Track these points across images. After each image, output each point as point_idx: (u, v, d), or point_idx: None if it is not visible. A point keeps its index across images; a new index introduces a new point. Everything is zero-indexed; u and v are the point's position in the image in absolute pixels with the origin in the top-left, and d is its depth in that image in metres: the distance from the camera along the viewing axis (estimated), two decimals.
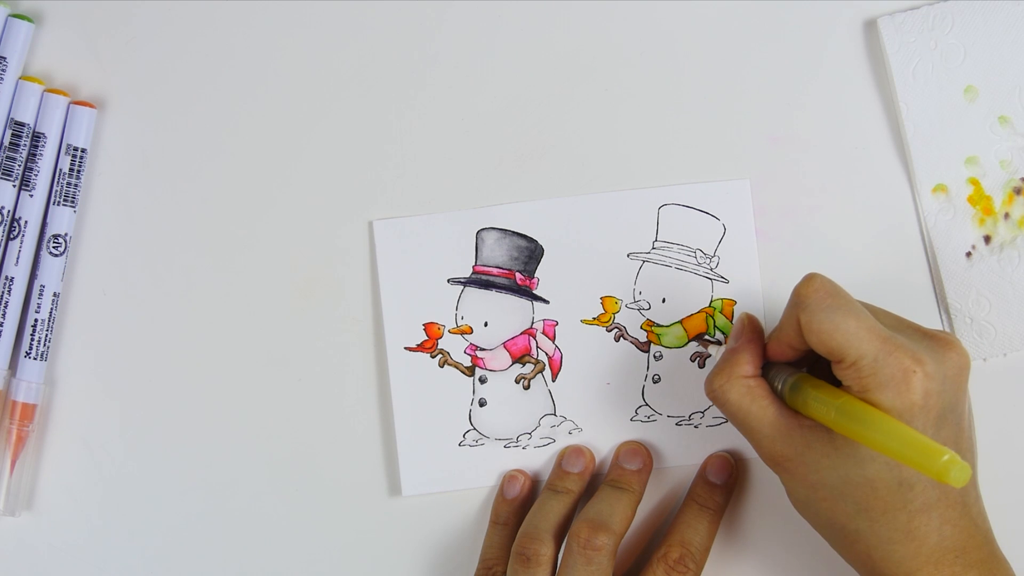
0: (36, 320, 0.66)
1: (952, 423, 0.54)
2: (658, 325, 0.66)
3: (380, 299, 0.66)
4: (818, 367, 0.57)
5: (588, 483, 0.65)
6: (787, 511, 0.65)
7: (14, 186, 0.65)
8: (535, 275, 0.66)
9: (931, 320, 0.65)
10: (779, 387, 0.56)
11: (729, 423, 0.65)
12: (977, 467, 0.57)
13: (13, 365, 0.66)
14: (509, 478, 0.66)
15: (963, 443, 0.55)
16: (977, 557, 0.54)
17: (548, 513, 0.63)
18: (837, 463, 0.54)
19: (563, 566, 0.60)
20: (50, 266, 0.66)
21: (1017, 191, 0.65)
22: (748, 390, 0.56)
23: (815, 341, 0.54)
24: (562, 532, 0.62)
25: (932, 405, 0.52)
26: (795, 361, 0.57)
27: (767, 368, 0.58)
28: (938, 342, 0.54)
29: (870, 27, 0.66)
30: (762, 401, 0.56)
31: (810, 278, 0.55)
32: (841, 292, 0.55)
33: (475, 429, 0.66)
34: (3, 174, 0.65)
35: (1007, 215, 0.65)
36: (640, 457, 0.65)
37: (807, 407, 0.54)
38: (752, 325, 0.59)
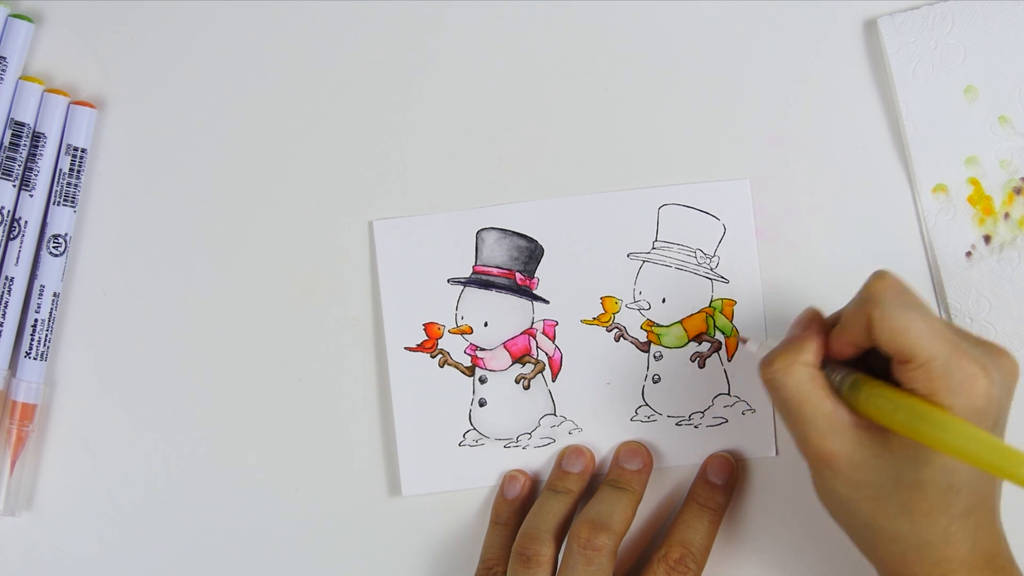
0: (36, 320, 0.66)
1: (1000, 429, 0.54)
2: (658, 325, 0.66)
3: (380, 299, 0.66)
4: (871, 370, 0.56)
5: (588, 483, 0.65)
6: (787, 511, 0.65)
7: (14, 186, 0.65)
8: (535, 275, 0.66)
9: None
10: (836, 384, 0.55)
11: (728, 424, 0.65)
12: None
13: (13, 365, 0.66)
14: (509, 478, 0.66)
15: None
16: (1000, 563, 0.54)
17: (548, 513, 0.63)
18: (890, 464, 0.53)
19: (563, 566, 0.60)
20: (50, 266, 0.66)
21: (1017, 191, 0.65)
22: (810, 378, 0.54)
23: (886, 338, 0.52)
24: (562, 532, 0.62)
25: (992, 411, 0.52)
26: (849, 362, 0.57)
27: (823, 366, 0.56)
28: (993, 349, 0.54)
29: (870, 27, 0.66)
30: (820, 392, 0.54)
31: (881, 275, 0.54)
32: (911, 291, 0.54)
33: (475, 429, 0.66)
34: (3, 174, 0.65)
35: (1007, 215, 0.65)
36: (640, 457, 0.65)
37: (868, 404, 0.53)
38: (819, 318, 0.57)
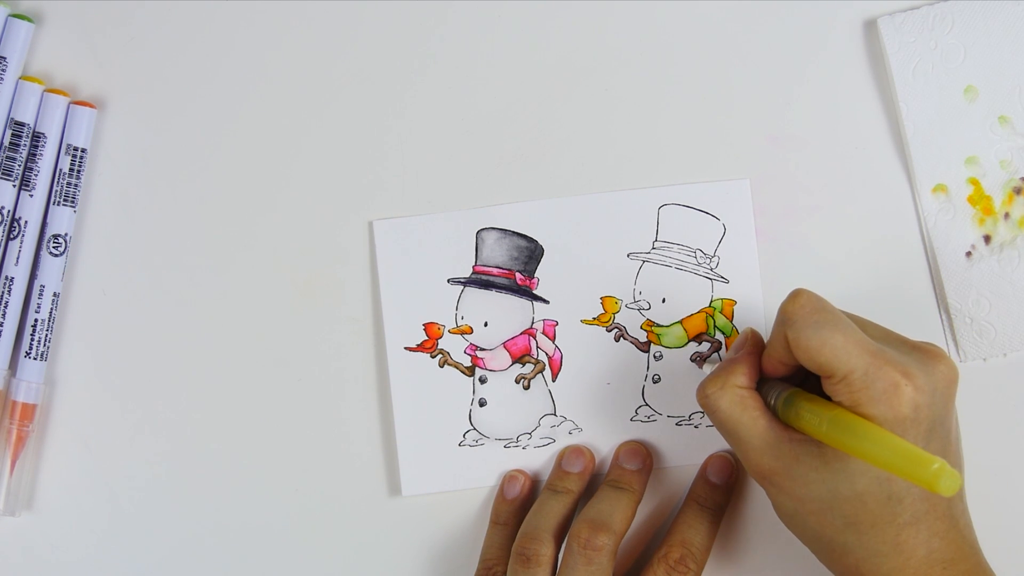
0: (36, 320, 0.66)
1: (940, 436, 0.54)
2: (658, 325, 0.66)
3: (380, 299, 0.66)
4: (810, 384, 0.57)
5: (588, 483, 0.65)
6: None
7: (14, 186, 0.65)
8: (535, 275, 0.66)
9: (931, 320, 0.65)
10: (772, 402, 0.56)
11: None
12: (963, 478, 0.57)
13: (13, 365, 0.66)
14: (509, 478, 0.66)
15: (951, 455, 0.55)
16: (964, 568, 0.54)
17: (548, 513, 0.63)
18: (826, 477, 0.53)
19: (563, 566, 0.60)
20: (50, 266, 0.66)
21: (1017, 191, 0.65)
22: (740, 399, 0.56)
23: (804, 357, 0.54)
24: (562, 532, 0.62)
25: (922, 418, 0.52)
26: (789, 378, 0.57)
27: (761, 384, 0.58)
28: (927, 355, 0.54)
29: (870, 27, 0.66)
30: (753, 412, 0.56)
31: (795, 294, 0.55)
32: (828, 307, 0.55)
33: (475, 429, 0.66)
34: (3, 174, 0.65)
35: (1007, 215, 0.65)
36: (640, 457, 0.65)
37: (799, 420, 0.54)
38: (754, 339, 0.59)
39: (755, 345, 0.58)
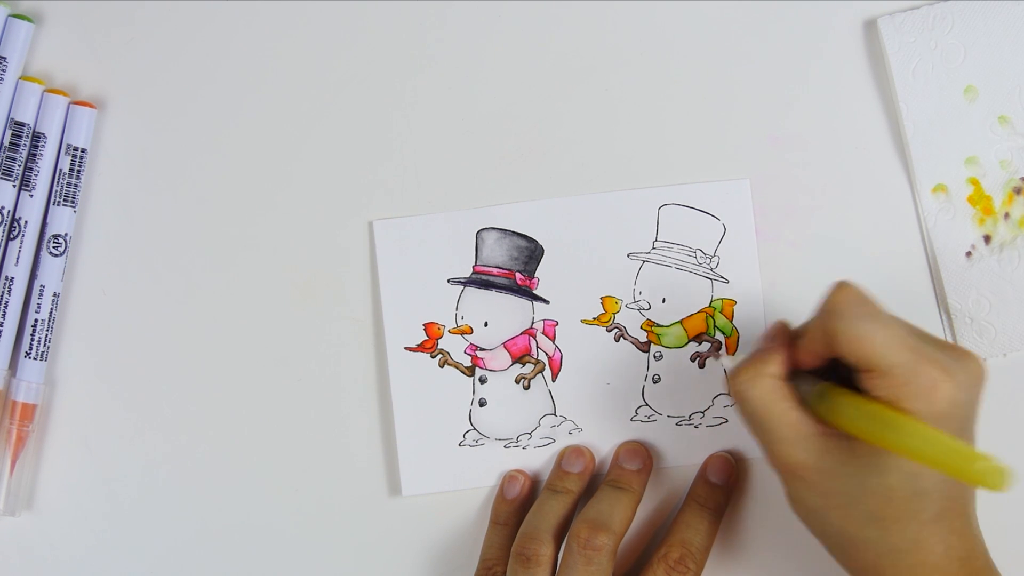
0: (36, 320, 0.66)
1: (969, 432, 0.54)
2: (658, 325, 0.66)
3: (380, 299, 0.66)
4: (836, 378, 0.56)
5: (588, 483, 0.65)
6: (787, 512, 0.65)
7: (14, 186, 0.65)
8: (535, 275, 0.66)
9: (931, 320, 0.65)
10: (805, 394, 0.55)
11: (728, 424, 0.65)
12: None
13: (13, 365, 0.66)
14: (509, 478, 0.66)
15: None
16: (977, 566, 0.54)
17: (548, 513, 0.63)
18: (856, 471, 0.53)
19: (563, 566, 0.60)
20: (50, 266, 0.66)
21: (1017, 191, 0.65)
22: (773, 389, 0.55)
23: (847, 350, 0.53)
24: (562, 532, 0.62)
25: (957, 415, 0.52)
26: (815, 371, 0.57)
27: (792, 376, 0.57)
28: (959, 353, 0.54)
29: (870, 27, 0.66)
30: (785, 403, 0.55)
31: (840, 286, 0.54)
32: (871, 300, 0.54)
33: (475, 429, 0.66)
34: (3, 174, 0.65)
35: (1007, 215, 0.65)
36: (640, 457, 0.65)
37: (834, 413, 0.53)
38: (785, 331, 0.58)
39: (787, 337, 0.57)
